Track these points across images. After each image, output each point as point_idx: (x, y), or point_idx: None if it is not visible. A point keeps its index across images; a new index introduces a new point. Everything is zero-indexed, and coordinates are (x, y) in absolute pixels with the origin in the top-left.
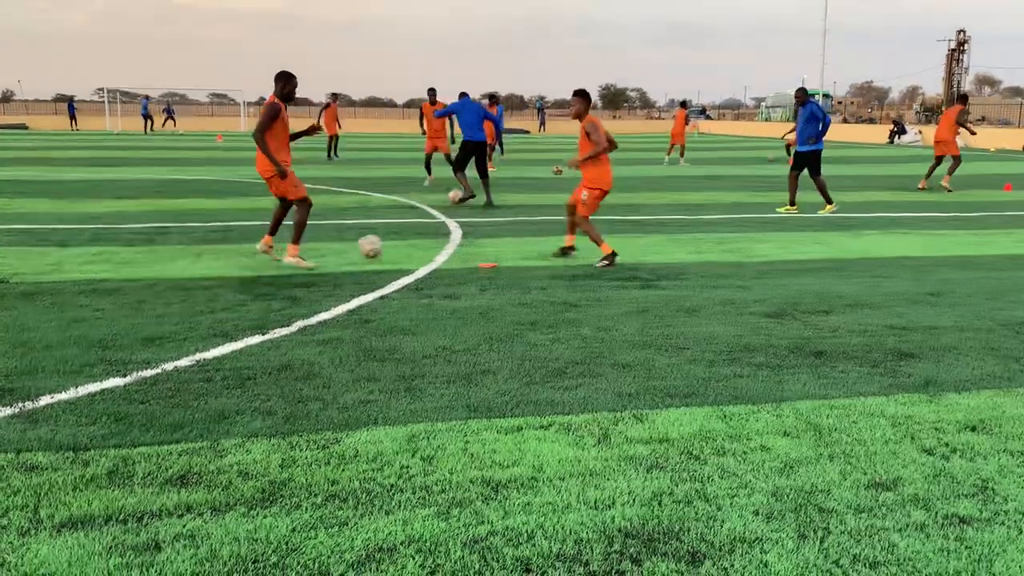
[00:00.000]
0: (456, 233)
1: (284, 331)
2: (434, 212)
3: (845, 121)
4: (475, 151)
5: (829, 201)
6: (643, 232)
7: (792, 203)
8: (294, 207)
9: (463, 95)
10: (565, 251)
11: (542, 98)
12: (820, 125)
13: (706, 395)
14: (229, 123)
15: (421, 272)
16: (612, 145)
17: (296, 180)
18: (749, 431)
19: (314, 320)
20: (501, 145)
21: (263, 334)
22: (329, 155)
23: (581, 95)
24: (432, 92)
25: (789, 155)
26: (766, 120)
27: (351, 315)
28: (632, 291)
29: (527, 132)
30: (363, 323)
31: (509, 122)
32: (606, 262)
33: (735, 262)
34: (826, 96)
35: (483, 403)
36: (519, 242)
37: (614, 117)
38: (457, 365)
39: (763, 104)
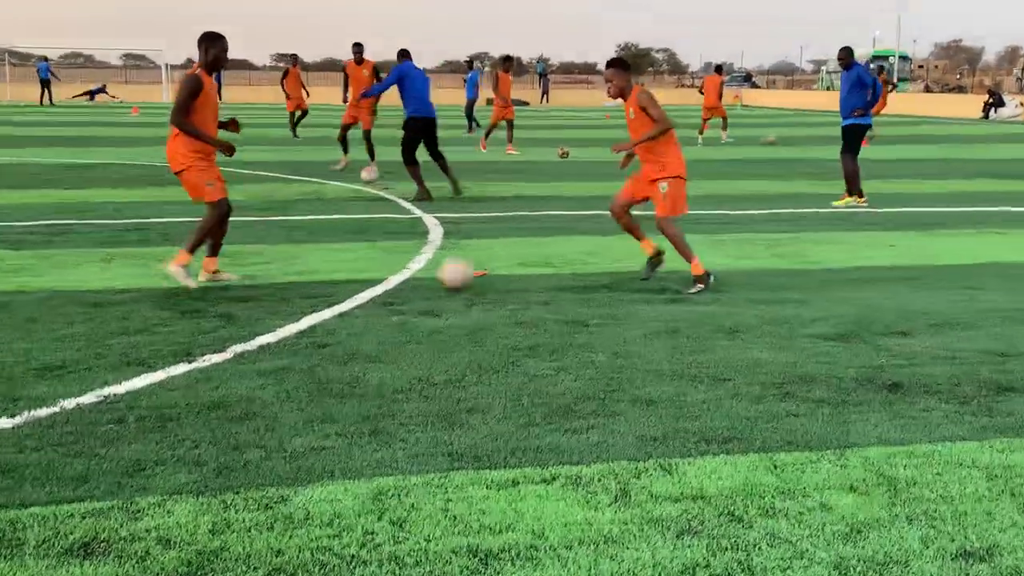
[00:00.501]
0: (435, 232)
1: (216, 358)
2: (407, 205)
3: (928, 90)
4: (426, 131)
5: (853, 193)
6: None
7: (852, 192)
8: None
9: (404, 55)
10: (654, 262)
11: (544, 61)
12: (869, 95)
13: (752, 439)
14: (147, 92)
15: (391, 282)
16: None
17: (216, 174)
18: (806, 485)
19: (254, 344)
20: (472, 119)
21: (189, 362)
22: (295, 132)
23: (619, 65)
24: (358, 48)
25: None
26: (827, 89)
27: (302, 338)
28: (659, 306)
29: (526, 104)
30: (317, 348)
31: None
32: (700, 286)
33: (789, 269)
34: (903, 58)
35: (469, 450)
36: (515, 243)
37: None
38: (436, 401)
39: (823, 68)
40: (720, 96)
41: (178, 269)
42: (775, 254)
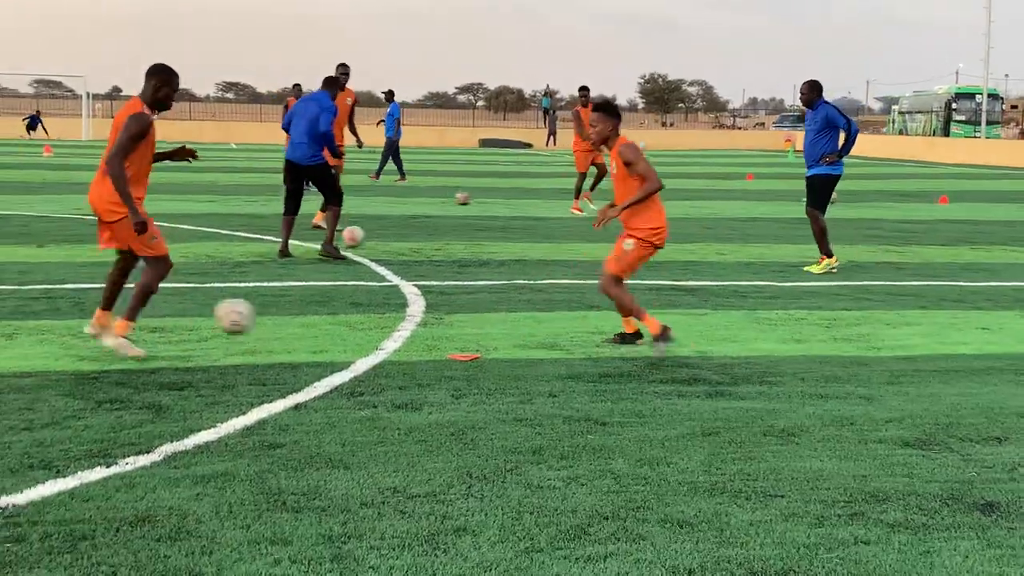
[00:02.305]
0: (416, 304)
1: (141, 461)
2: (382, 271)
3: None
4: (309, 175)
5: (826, 254)
6: (708, 306)
7: (827, 253)
8: (141, 264)
9: (295, 87)
10: (626, 337)
11: (551, 95)
12: (842, 138)
13: (812, 572)
14: (64, 126)
15: (360, 366)
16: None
17: (155, 230)
18: None
19: (189, 443)
20: (398, 164)
21: (107, 466)
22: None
23: (607, 110)
24: (297, 87)
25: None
26: (901, 132)
27: (248, 436)
28: (693, 401)
29: (529, 146)
30: (267, 449)
31: (503, 130)
32: (663, 344)
33: (855, 356)
34: (993, 97)
35: None
36: (515, 319)
37: (664, 124)
38: (416, 519)
39: (895, 108)
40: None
41: (120, 341)
42: (838, 336)
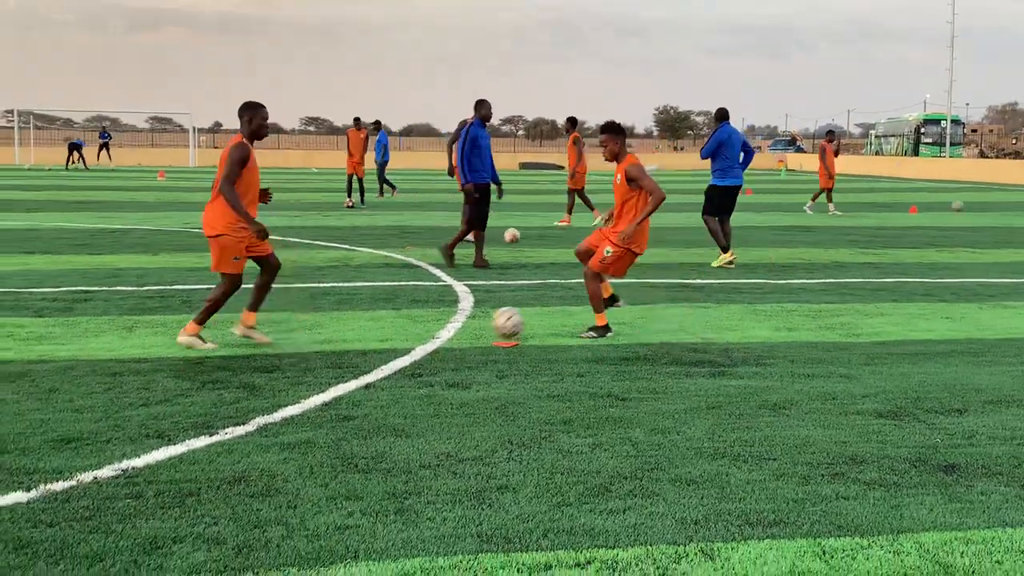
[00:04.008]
0: (466, 301)
1: (238, 431)
2: (438, 273)
3: (982, 155)
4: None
5: (723, 249)
6: (713, 301)
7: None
8: (262, 271)
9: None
10: (606, 302)
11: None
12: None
13: (799, 523)
14: (174, 155)
15: (419, 352)
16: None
17: (240, 251)
18: (856, 573)
19: (277, 416)
20: (385, 182)
21: (210, 435)
22: (362, 198)
23: (613, 131)
24: (356, 120)
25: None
26: (877, 153)
27: (326, 410)
28: (699, 380)
29: (560, 168)
30: (342, 421)
31: (540, 154)
32: (593, 334)
33: (837, 342)
34: (955, 122)
35: (499, 531)
36: (549, 312)
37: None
38: (465, 479)
39: (872, 133)
40: (823, 157)
41: (190, 339)
42: (822, 325)
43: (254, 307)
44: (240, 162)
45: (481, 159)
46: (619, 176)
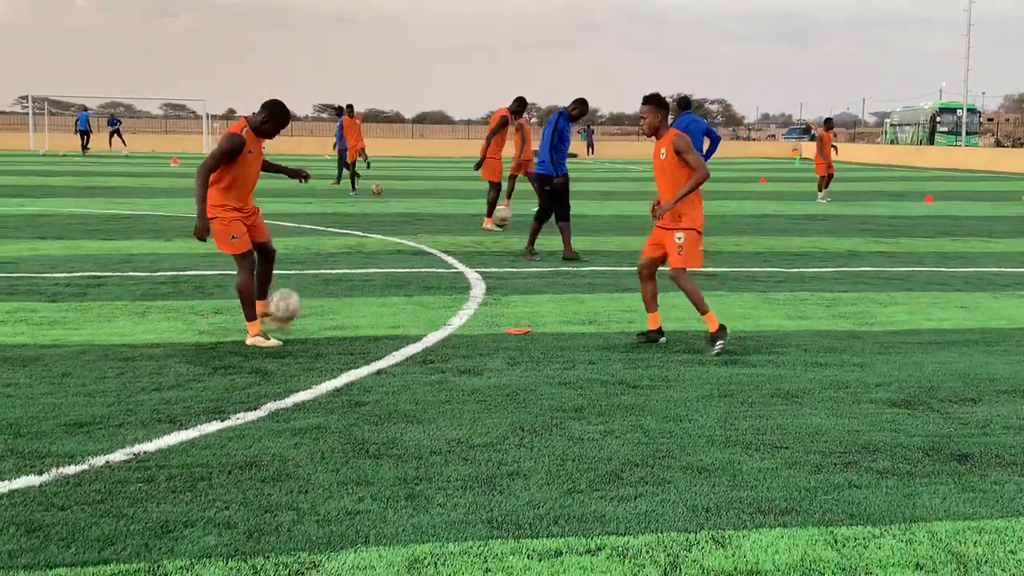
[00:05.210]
0: (478, 287)
1: (250, 416)
2: (450, 259)
3: (998, 144)
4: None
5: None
6: (726, 289)
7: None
8: (258, 259)
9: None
10: (650, 336)
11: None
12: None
13: (811, 512)
14: (188, 142)
15: (431, 339)
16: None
17: (236, 229)
18: (868, 562)
19: (289, 402)
20: (346, 167)
21: (222, 420)
22: (353, 185)
23: (655, 103)
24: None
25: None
26: (892, 142)
27: (338, 396)
28: (712, 368)
29: (574, 155)
30: (353, 407)
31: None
32: (721, 345)
33: (850, 331)
34: (972, 111)
35: (510, 517)
36: (561, 300)
37: None
38: (476, 465)
39: (887, 121)
40: (820, 146)
41: (253, 340)
42: (836, 314)
43: (261, 295)
44: (228, 154)
45: (561, 152)
46: (663, 150)
